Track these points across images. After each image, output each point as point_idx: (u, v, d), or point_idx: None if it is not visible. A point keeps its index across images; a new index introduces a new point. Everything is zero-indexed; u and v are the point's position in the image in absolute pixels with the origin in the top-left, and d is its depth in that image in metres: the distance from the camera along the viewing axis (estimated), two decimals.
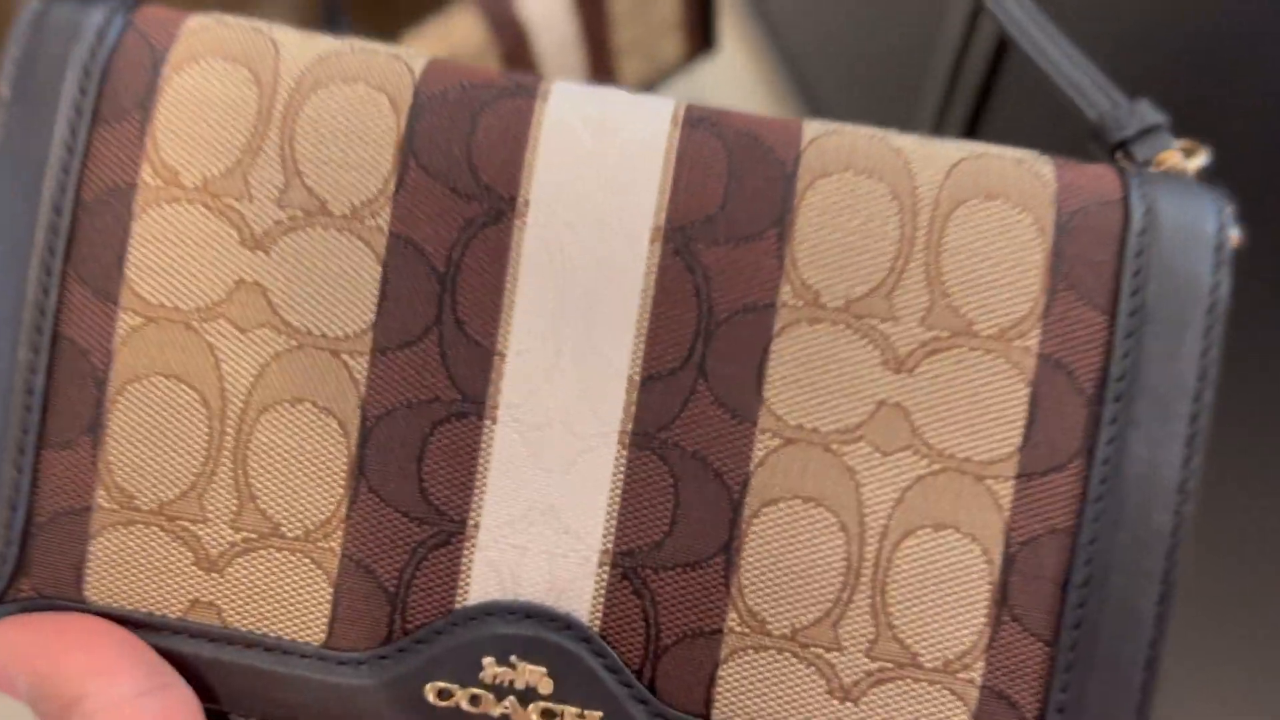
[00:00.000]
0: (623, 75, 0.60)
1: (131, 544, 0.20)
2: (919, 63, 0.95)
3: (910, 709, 0.20)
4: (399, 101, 0.20)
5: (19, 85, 0.20)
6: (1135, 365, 0.20)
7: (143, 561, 0.20)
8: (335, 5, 0.50)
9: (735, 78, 1.41)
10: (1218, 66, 0.57)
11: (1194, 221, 0.20)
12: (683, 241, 0.20)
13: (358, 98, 0.20)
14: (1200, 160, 0.23)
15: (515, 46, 0.53)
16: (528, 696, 0.20)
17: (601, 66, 0.58)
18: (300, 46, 0.21)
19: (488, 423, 0.20)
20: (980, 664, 0.20)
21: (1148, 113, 0.23)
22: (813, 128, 0.21)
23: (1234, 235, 0.21)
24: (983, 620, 0.20)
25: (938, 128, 0.89)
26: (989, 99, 0.84)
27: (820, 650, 0.20)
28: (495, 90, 0.20)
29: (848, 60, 1.18)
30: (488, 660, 0.20)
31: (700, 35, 0.61)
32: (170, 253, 0.20)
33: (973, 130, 0.85)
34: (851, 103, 1.22)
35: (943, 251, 0.20)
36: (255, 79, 0.20)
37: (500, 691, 0.20)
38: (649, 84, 0.62)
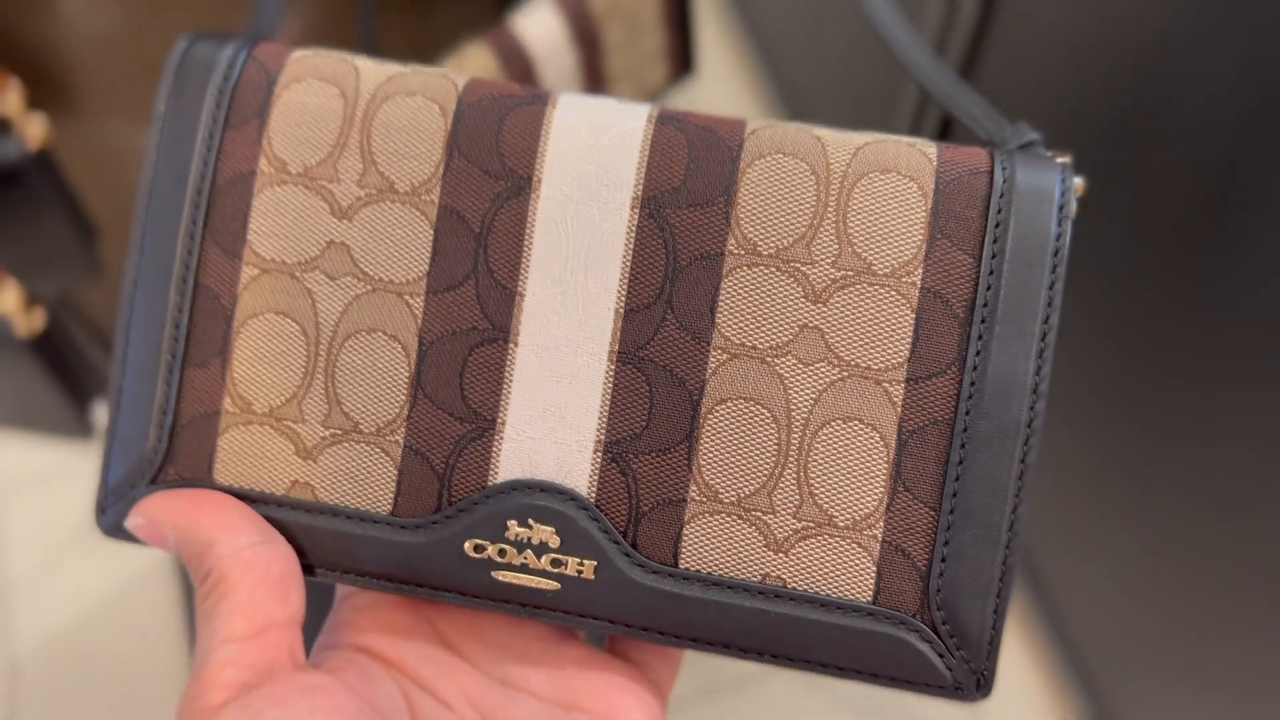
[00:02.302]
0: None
1: (248, 439, 0.26)
2: (895, 73, 1.01)
3: (828, 558, 0.25)
4: (446, 109, 0.26)
5: (172, 101, 0.27)
6: (995, 295, 0.25)
7: (256, 452, 0.26)
8: (370, 44, 0.56)
9: (725, 95, 1.48)
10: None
11: (1043, 186, 0.26)
12: (655, 208, 0.26)
13: (416, 106, 0.27)
14: (1064, 160, 0.29)
15: (522, 77, 0.59)
16: (541, 550, 0.25)
17: (597, 92, 0.64)
18: (374, 69, 0.27)
19: (511, 346, 0.26)
20: (881, 524, 0.25)
21: (1026, 131, 0.29)
22: (754, 123, 0.27)
23: (1079, 185, 0.27)
24: (882, 490, 0.25)
25: (914, 128, 0.95)
26: (954, 117, 0.91)
27: (759, 514, 0.26)
28: (517, 99, 0.27)
29: (830, 74, 1.24)
30: (511, 523, 0.25)
31: (681, 62, 0.67)
32: (280, 221, 0.26)
33: (944, 133, 0.91)
34: (832, 112, 1.28)
35: (849, 211, 0.26)
36: (342, 94, 0.27)
37: (520, 546, 0.25)
38: None
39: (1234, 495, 0.70)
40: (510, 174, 0.26)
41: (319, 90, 0.27)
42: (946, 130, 0.92)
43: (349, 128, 0.26)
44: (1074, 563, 0.95)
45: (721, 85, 1.47)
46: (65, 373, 0.61)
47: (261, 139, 0.27)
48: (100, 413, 0.70)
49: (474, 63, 0.58)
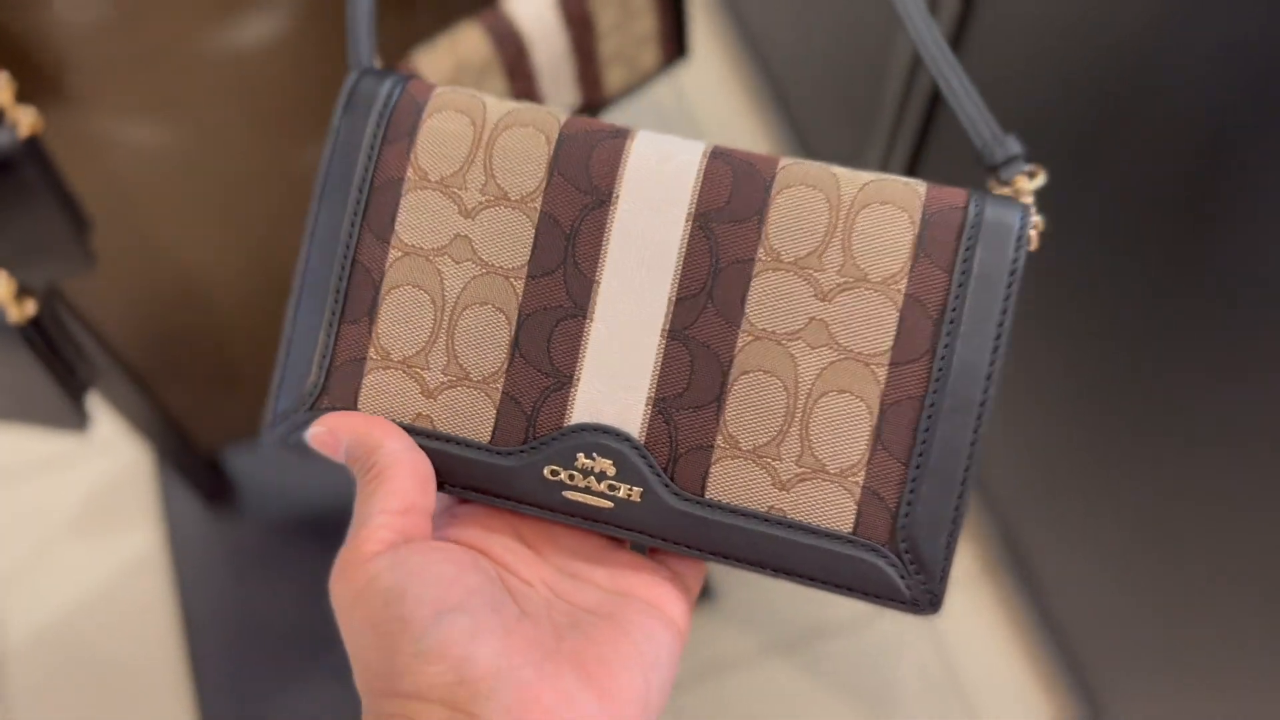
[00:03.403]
0: (608, 81, 0.66)
1: (385, 380, 0.34)
2: (880, 66, 1.01)
3: (820, 497, 0.32)
4: (550, 138, 0.34)
5: (344, 120, 0.34)
6: (962, 303, 0.32)
7: (391, 390, 0.34)
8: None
9: (715, 82, 1.48)
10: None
11: (1007, 222, 0.32)
12: (704, 221, 0.33)
13: (528, 134, 0.34)
14: (1039, 180, 0.35)
15: (515, 58, 0.59)
16: (601, 477, 0.33)
17: (589, 74, 0.64)
18: (497, 105, 0.35)
19: (588, 321, 0.33)
20: (862, 473, 0.32)
21: (1012, 145, 0.35)
22: (785, 160, 0.34)
23: (1037, 222, 0.33)
24: (865, 447, 0.32)
25: (897, 120, 0.96)
26: (936, 105, 0.91)
27: (769, 460, 0.32)
28: (605, 134, 0.34)
29: (816, 66, 1.25)
30: (580, 455, 0.33)
31: (675, 46, 0.67)
32: (420, 217, 0.34)
33: (925, 127, 0.91)
34: (819, 107, 1.29)
35: (853, 232, 0.32)
36: (472, 122, 0.34)
37: (585, 473, 0.33)
38: (631, 89, 0.68)
39: (1218, 487, 0.70)
40: (595, 190, 0.33)
41: (455, 119, 0.34)
42: (929, 123, 0.92)
43: (476, 148, 0.34)
44: (1064, 556, 0.95)
45: (712, 72, 1.47)
46: (58, 363, 0.61)
47: (410, 153, 0.34)
48: (93, 404, 0.70)
49: (466, 43, 0.57)
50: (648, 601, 0.32)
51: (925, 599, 0.32)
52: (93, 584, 1.12)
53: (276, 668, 1.04)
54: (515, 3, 0.59)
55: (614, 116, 1.39)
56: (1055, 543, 0.97)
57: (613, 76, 0.66)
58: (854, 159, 1.12)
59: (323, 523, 1.11)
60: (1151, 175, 0.67)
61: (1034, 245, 0.33)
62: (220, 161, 0.71)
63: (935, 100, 0.91)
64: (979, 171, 0.37)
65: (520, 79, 0.60)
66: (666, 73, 0.69)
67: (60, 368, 0.61)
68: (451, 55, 0.57)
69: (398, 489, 0.30)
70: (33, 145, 0.54)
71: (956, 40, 0.83)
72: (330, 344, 0.34)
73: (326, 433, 0.33)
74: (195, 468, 1.05)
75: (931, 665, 1.06)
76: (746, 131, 1.42)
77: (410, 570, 0.28)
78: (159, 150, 0.68)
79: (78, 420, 0.64)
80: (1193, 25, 0.61)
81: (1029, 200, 0.35)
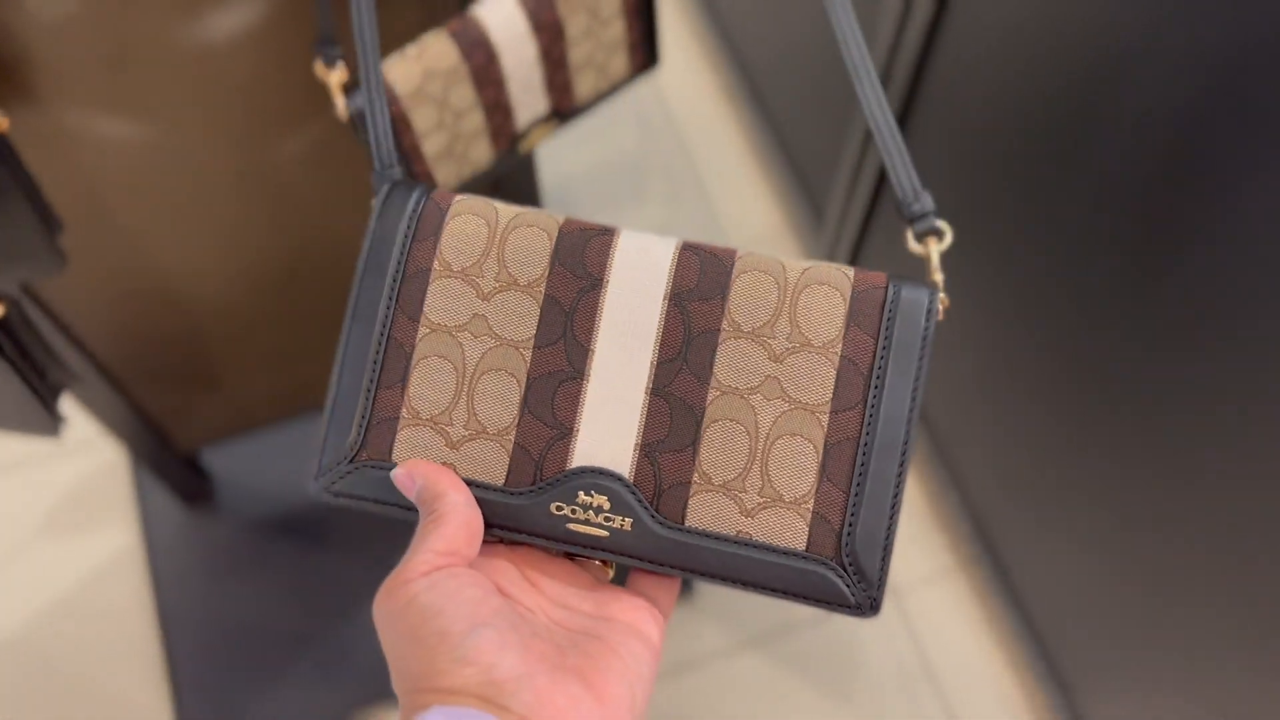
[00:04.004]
0: (579, 88, 0.66)
1: (417, 435, 0.39)
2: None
3: (779, 522, 0.38)
4: (551, 235, 0.40)
5: (379, 223, 0.41)
6: (885, 363, 0.38)
7: (421, 443, 0.39)
8: (328, 38, 0.56)
9: (694, 84, 1.49)
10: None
11: (919, 300, 0.39)
12: (678, 300, 0.39)
13: (534, 233, 0.40)
14: (947, 242, 0.43)
15: (484, 65, 0.59)
16: (598, 510, 0.38)
17: (559, 81, 0.64)
18: (507, 210, 0.41)
19: (585, 382, 0.39)
20: (812, 500, 0.38)
21: (927, 201, 0.43)
22: (741, 251, 0.40)
23: (943, 299, 0.40)
24: (814, 479, 0.38)
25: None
26: (908, 110, 0.92)
27: (736, 492, 0.38)
28: (595, 231, 0.40)
29: (795, 71, 1.25)
30: (580, 493, 0.38)
31: (645, 53, 0.67)
32: (445, 300, 0.40)
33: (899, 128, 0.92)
34: (797, 112, 1.29)
35: (797, 307, 0.39)
36: (487, 224, 0.40)
37: (585, 507, 0.38)
38: (602, 95, 0.68)
39: (1190, 482, 0.71)
40: (589, 276, 0.39)
41: (473, 222, 0.41)
42: (901, 126, 0.93)
43: (491, 244, 0.40)
44: (1037, 550, 0.96)
45: (692, 75, 1.47)
46: (29, 367, 0.61)
47: (436, 249, 0.40)
48: (65, 407, 0.70)
49: (434, 51, 0.58)
50: (628, 625, 0.37)
51: (867, 603, 0.38)
52: (68, 584, 1.12)
53: (254, 668, 1.04)
54: (484, 9, 0.59)
55: (592, 121, 1.40)
56: (1028, 537, 0.98)
57: (583, 83, 0.66)
58: (830, 161, 1.13)
59: (300, 524, 1.11)
60: (1120, 178, 0.68)
61: (941, 317, 0.40)
62: (194, 160, 0.71)
63: (908, 105, 0.92)
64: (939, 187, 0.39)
65: (489, 86, 0.60)
66: (637, 80, 0.69)
67: (30, 372, 0.61)
68: (419, 63, 0.57)
69: (447, 534, 0.36)
70: (2, 144, 0.54)
71: (929, 43, 0.84)
72: (368, 406, 0.40)
73: (405, 475, 0.38)
74: (173, 468, 1.05)
75: (906, 657, 1.07)
76: (725, 134, 1.43)
77: (445, 592, 0.34)
78: (131, 149, 0.68)
79: (50, 425, 0.64)
80: (1162, 28, 0.61)
81: (935, 261, 0.43)
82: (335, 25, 0.56)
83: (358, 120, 0.56)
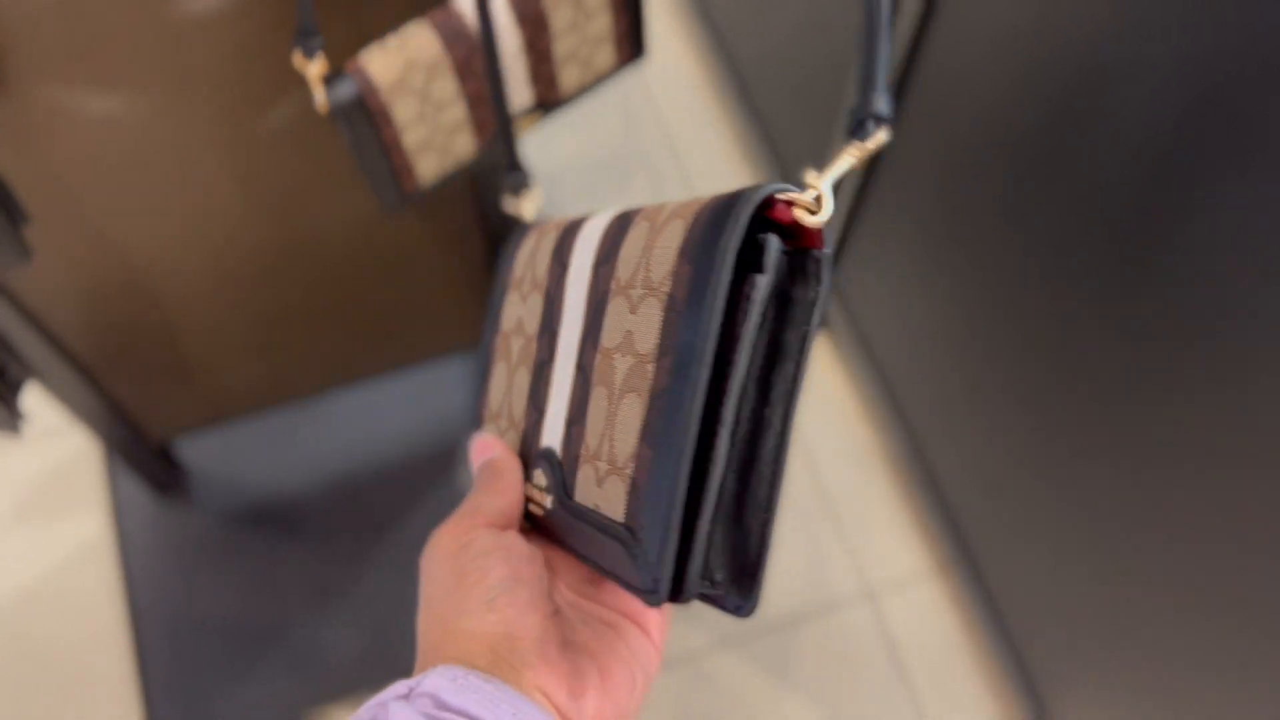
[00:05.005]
0: (563, 81, 0.65)
1: (488, 427, 0.45)
2: (843, 65, 1.01)
3: (614, 491, 0.33)
4: (558, 235, 0.42)
5: (502, 259, 0.47)
6: (686, 291, 0.33)
7: (491, 435, 0.43)
8: (307, 28, 0.54)
9: (682, 80, 1.48)
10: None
11: (733, 213, 0.30)
12: (596, 268, 0.37)
13: (552, 237, 0.42)
14: (881, 138, 0.36)
15: (466, 57, 0.58)
16: (542, 490, 0.38)
17: (544, 74, 0.63)
18: (554, 223, 0.43)
19: (553, 365, 0.39)
20: (632, 464, 0.32)
21: (884, 106, 0.36)
22: (654, 205, 0.36)
23: (811, 187, 0.32)
24: (636, 440, 0.32)
25: None
26: (899, 108, 0.91)
27: (596, 461, 0.34)
28: (581, 220, 0.40)
29: (782, 65, 1.24)
30: (536, 472, 0.39)
31: (632, 46, 0.66)
32: (507, 311, 0.45)
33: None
34: (785, 106, 1.28)
35: (652, 251, 0.33)
36: (536, 240, 0.45)
37: (538, 487, 0.39)
38: (587, 88, 0.67)
39: (1162, 490, 0.71)
40: (563, 264, 0.40)
41: (529, 241, 0.45)
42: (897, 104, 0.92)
43: (531, 256, 0.44)
44: (1012, 555, 0.96)
45: (680, 71, 1.46)
46: None
47: (511, 269, 0.46)
48: (34, 396, 0.68)
49: (416, 42, 0.56)
50: (635, 621, 0.38)
51: (649, 583, 0.31)
52: (37, 573, 1.10)
53: (224, 659, 1.03)
54: (466, 1, 0.58)
55: (578, 115, 1.38)
56: (1005, 540, 0.99)
57: (568, 76, 0.65)
58: (816, 156, 1.12)
59: (273, 516, 1.10)
60: (1103, 185, 0.68)
61: (821, 213, 0.31)
62: (163, 148, 0.70)
63: (894, 100, 0.91)
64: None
65: (471, 78, 0.59)
66: (623, 72, 0.68)
67: None
68: (401, 54, 0.56)
69: (506, 504, 0.39)
70: None
71: (918, 38, 0.83)
72: (476, 401, 0.47)
73: (482, 445, 0.43)
74: (145, 457, 1.03)
75: (879, 658, 1.07)
76: (711, 127, 1.42)
77: (502, 543, 0.36)
78: (99, 139, 0.67)
79: (9, 422, 0.62)
80: (1152, 31, 0.61)
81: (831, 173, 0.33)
82: (314, 15, 0.55)
83: (337, 113, 0.54)
